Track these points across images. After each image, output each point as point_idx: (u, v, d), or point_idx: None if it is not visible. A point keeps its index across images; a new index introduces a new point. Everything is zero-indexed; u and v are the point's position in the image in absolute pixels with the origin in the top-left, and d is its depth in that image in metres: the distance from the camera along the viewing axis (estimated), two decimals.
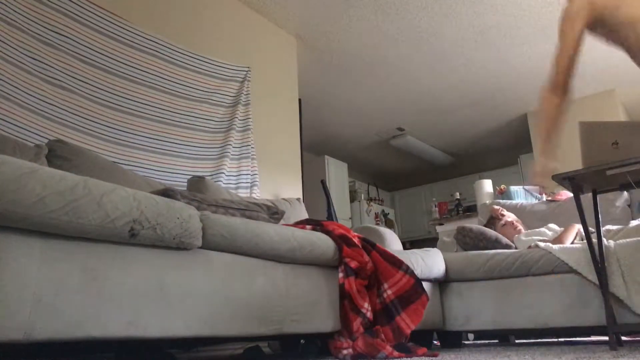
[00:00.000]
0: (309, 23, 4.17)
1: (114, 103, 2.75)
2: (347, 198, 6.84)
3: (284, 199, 3.18)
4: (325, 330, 1.79)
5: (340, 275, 1.85)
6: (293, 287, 1.70)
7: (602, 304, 2.08)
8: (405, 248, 2.87)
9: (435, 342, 2.77)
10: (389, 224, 7.58)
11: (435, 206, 6.65)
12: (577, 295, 2.24)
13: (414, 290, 1.93)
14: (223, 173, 3.22)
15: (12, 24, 2.37)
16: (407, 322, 1.88)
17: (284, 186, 3.85)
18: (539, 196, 4.31)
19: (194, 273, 1.39)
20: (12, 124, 2.26)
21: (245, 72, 3.62)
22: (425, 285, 2.42)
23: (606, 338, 2.33)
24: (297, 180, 4.03)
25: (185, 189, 2.68)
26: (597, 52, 4.80)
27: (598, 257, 2.09)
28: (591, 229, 2.15)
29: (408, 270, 1.96)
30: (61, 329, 1.08)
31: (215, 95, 3.38)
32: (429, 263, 2.43)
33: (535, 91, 5.63)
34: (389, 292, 1.92)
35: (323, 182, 5.69)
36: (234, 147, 3.36)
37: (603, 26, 1.80)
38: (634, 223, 2.55)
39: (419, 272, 2.31)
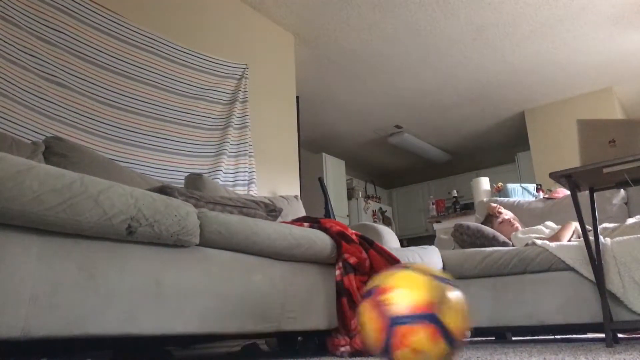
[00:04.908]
0: (306, 20, 4.16)
1: (111, 100, 2.74)
2: (344, 195, 6.84)
3: (281, 196, 3.17)
4: (322, 327, 1.79)
5: (337, 272, 1.85)
6: (290, 285, 1.70)
7: (598, 302, 2.09)
8: (402, 246, 2.87)
9: None
10: (386, 222, 7.59)
11: (433, 204, 6.66)
12: (573, 292, 2.25)
13: None
14: (220, 170, 3.22)
15: (9, 20, 2.36)
16: None
17: (282, 183, 3.85)
18: (536, 194, 4.33)
19: (192, 270, 1.39)
20: (9, 120, 2.25)
21: (242, 70, 3.61)
22: None
23: (603, 335, 2.34)
24: (294, 178, 4.03)
25: (182, 186, 2.67)
26: (594, 50, 4.82)
27: (595, 254, 2.10)
28: (588, 227, 2.15)
29: None
30: (59, 326, 1.07)
31: (213, 93, 3.37)
32: (426, 261, 2.43)
33: (532, 89, 5.64)
34: None
35: (321, 180, 5.69)
36: (231, 144, 3.35)
37: None
38: (630, 221, 2.56)
39: None
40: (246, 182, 3.38)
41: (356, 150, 7.36)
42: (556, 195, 3.40)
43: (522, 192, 4.40)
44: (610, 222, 2.69)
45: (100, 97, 2.69)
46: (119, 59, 2.84)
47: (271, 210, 2.01)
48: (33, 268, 1.05)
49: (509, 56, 4.88)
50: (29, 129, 2.32)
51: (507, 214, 3.03)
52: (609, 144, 1.85)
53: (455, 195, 6.23)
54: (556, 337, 2.93)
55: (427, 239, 7.32)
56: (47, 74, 2.47)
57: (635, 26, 4.42)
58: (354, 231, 2.01)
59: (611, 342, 1.89)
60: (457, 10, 4.09)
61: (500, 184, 4.65)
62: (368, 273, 1.93)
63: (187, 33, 3.34)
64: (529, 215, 3.28)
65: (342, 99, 5.68)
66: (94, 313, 1.14)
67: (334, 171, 6.71)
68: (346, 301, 1.80)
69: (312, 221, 2.04)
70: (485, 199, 3.87)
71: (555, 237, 2.59)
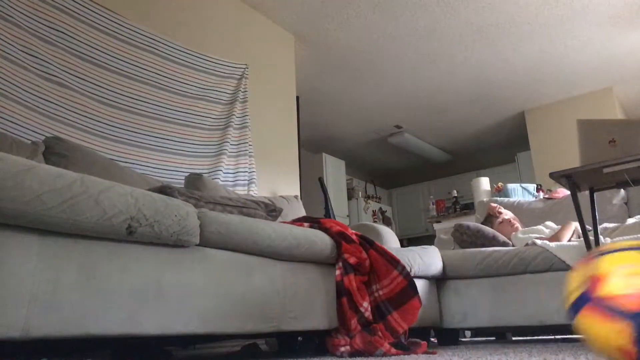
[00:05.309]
0: (306, 20, 4.16)
1: (111, 100, 2.74)
2: (344, 196, 6.84)
3: (281, 196, 3.17)
4: (322, 327, 1.79)
5: (338, 272, 1.85)
6: (291, 285, 1.70)
7: None
8: (402, 246, 2.87)
9: (432, 339, 2.78)
10: (386, 222, 7.59)
11: (433, 204, 6.66)
12: None
13: (404, 293, 1.92)
14: (221, 170, 3.22)
15: (9, 20, 2.36)
16: (400, 322, 1.88)
17: (282, 184, 3.85)
18: (536, 194, 4.33)
19: (192, 270, 1.39)
20: (9, 120, 2.25)
21: (242, 70, 3.61)
22: (423, 282, 2.43)
23: None
24: (294, 178, 4.03)
25: (182, 186, 2.67)
26: (594, 50, 4.81)
27: None
28: (588, 227, 2.15)
29: (403, 272, 1.94)
30: (59, 326, 1.07)
31: (213, 93, 3.37)
32: (427, 261, 2.43)
33: (532, 89, 5.64)
34: (380, 292, 1.92)
35: (321, 180, 5.69)
36: (231, 144, 3.35)
37: None
38: (630, 221, 2.56)
39: (416, 269, 2.31)
40: (246, 182, 3.38)
41: (356, 150, 7.36)
42: (556, 195, 3.40)
43: (522, 192, 4.40)
44: (610, 222, 2.69)
45: (100, 97, 2.69)
46: (119, 59, 2.84)
47: (271, 210, 2.01)
48: (33, 268, 1.05)
49: (509, 56, 4.88)
50: (29, 129, 2.32)
51: (507, 214, 3.03)
52: (609, 144, 1.85)
53: (455, 195, 6.23)
54: (556, 337, 2.93)
55: (427, 239, 7.32)
56: (47, 74, 2.47)
57: (635, 26, 4.42)
58: (354, 231, 2.01)
59: None
60: (457, 10, 4.09)
61: (500, 184, 4.65)
62: (368, 273, 1.94)
63: (187, 33, 3.34)
64: (529, 215, 3.28)
65: (342, 99, 5.68)
66: (94, 313, 1.14)
67: (334, 171, 6.71)
68: (346, 301, 1.80)
69: (312, 221, 2.05)
70: (485, 199, 3.87)
71: (555, 237, 2.59)
